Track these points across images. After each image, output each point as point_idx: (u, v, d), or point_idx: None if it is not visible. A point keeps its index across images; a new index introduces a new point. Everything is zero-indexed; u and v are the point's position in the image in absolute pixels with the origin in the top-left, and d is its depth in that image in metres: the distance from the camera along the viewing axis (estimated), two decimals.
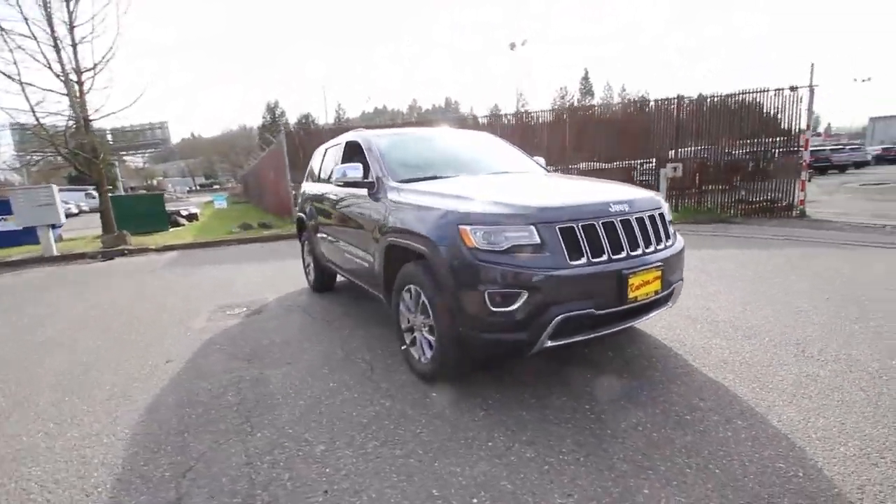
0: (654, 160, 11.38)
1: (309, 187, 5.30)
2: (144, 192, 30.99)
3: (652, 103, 11.99)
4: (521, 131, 12.16)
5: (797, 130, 9.84)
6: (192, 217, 17.34)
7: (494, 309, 2.31)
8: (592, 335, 2.48)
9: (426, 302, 2.66)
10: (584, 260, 2.35)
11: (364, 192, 3.53)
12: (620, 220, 2.49)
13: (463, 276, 2.37)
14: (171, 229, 14.32)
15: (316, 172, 5.21)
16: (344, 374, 3.09)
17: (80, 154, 11.05)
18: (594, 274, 2.34)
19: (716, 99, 10.72)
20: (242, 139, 63.37)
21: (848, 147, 27.58)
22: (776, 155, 10.19)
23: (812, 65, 9.45)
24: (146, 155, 51.41)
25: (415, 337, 2.93)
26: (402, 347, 3.06)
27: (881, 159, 29.17)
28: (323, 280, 5.25)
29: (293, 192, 12.97)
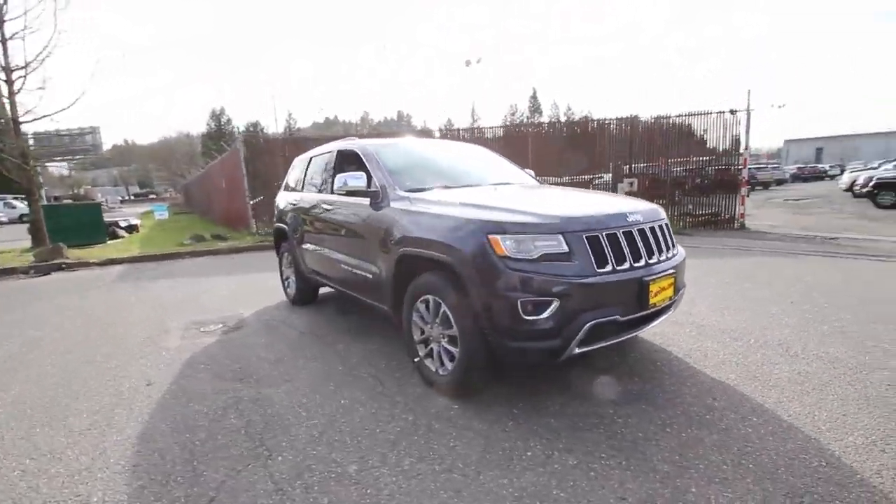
0: (611, 175, 12.00)
1: (290, 197, 5.10)
2: (70, 201, 28.40)
3: (596, 122, 12.77)
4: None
5: (734, 149, 10.80)
6: (132, 228, 16.09)
7: (526, 317, 2.32)
8: (614, 341, 2.55)
9: (448, 312, 2.63)
10: (609, 267, 2.42)
11: (366, 201, 3.45)
12: (637, 230, 2.60)
13: (494, 284, 2.36)
14: (111, 241, 13.20)
15: (298, 182, 5.03)
16: (353, 391, 2.97)
17: (7, 158, 9.97)
18: (619, 281, 2.42)
19: (651, 120, 11.54)
20: (183, 146, 59.90)
21: (770, 166, 30.54)
22: (719, 171, 11.10)
23: (749, 91, 10.42)
24: (73, 162, 47.25)
25: (431, 349, 2.88)
26: (416, 360, 2.99)
27: (796, 177, 32.64)
28: (305, 293, 5.04)
29: (250, 202, 12.44)
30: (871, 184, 14.68)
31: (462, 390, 2.72)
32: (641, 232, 2.63)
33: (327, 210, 4.07)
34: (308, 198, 4.59)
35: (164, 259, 9.68)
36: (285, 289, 5.45)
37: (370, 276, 3.43)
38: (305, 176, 4.87)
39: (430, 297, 2.77)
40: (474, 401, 2.71)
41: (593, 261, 2.39)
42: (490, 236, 2.40)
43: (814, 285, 5.05)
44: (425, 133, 15.37)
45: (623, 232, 2.53)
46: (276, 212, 5.55)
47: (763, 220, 12.04)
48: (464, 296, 2.53)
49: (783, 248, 7.67)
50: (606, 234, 2.47)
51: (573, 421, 2.44)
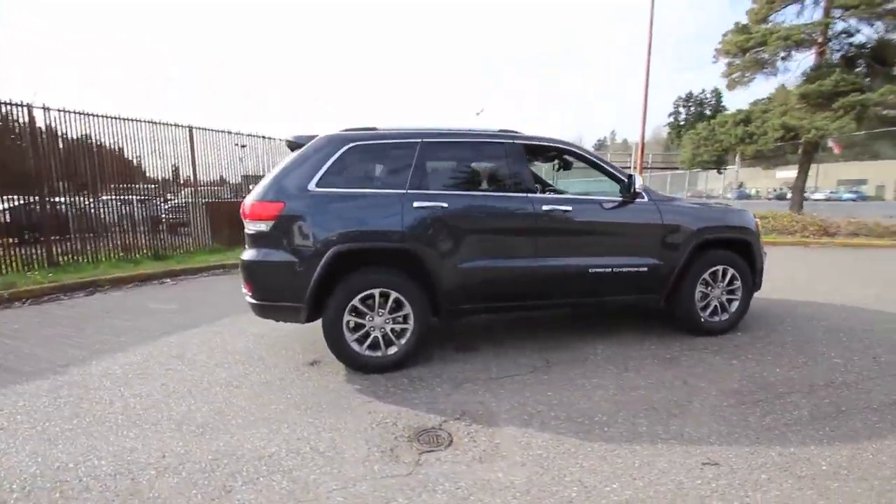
0: None
1: (397, 199, 3.25)
2: None
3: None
4: None
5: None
6: None
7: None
8: None
9: (735, 274, 3.92)
10: None
11: (609, 199, 3.74)
12: None
13: (761, 251, 4.08)
14: None
15: (393, 179, 3.36)
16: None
17: None
18: None
19: None
20: None
21: None
22: None
23: None
24: None
25: (715, 305, 3.94)
26: (702, 320, 3.88)
27: None
28: (422, 337, 3.36)
29: None
30: None
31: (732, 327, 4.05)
32: None
33: (552, 212, 3.51)
34: (469, 200, 3.42)
35: None
36: (354, 351, 3.17)
37: (644, 269, 3.70)
38: (427, 171, 3.40)
39: (721, 268, 3.89)
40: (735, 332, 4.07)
41: None
42: (756, 220, 4.12)
43: None
44: None
45: None
46: (328, 228, 3.11)
47: None
48: (743, 260, 3.98)
49: None
50: None
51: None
